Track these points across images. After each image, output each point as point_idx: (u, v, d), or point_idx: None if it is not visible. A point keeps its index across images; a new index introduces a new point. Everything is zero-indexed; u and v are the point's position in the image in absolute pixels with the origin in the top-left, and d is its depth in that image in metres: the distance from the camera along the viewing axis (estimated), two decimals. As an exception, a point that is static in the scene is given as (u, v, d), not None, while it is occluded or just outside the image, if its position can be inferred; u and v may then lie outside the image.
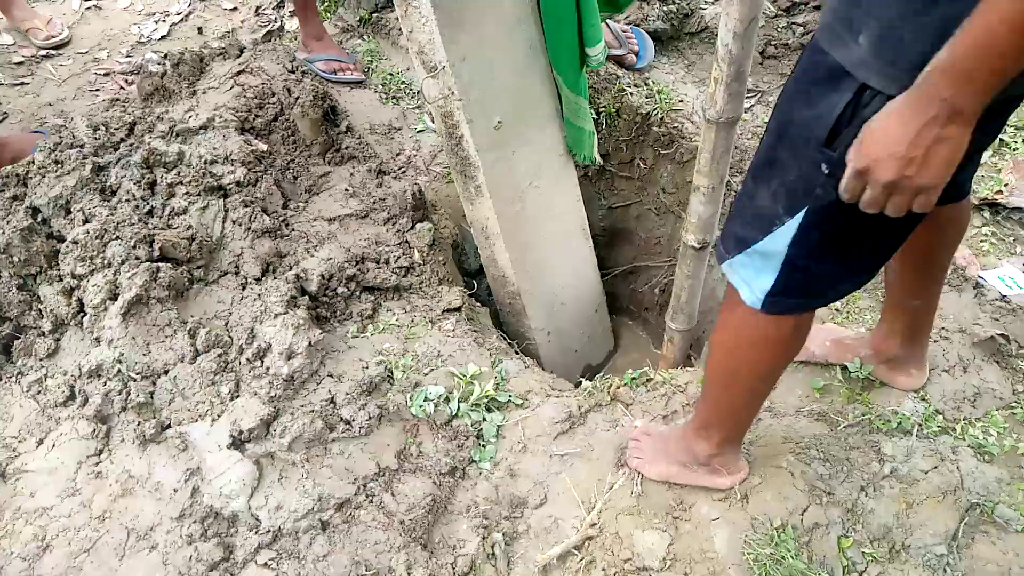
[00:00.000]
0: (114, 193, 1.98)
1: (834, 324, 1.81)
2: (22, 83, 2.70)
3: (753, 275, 1.13)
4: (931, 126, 0.82)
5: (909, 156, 0.84)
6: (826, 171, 0.96)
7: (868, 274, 1.14)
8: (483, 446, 1.69)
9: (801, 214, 1.02)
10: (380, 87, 2.54)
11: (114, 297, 1.78)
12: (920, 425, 1.55)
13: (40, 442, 1.71)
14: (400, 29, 2.72)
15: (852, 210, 0.95)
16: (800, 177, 1.00)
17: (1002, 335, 1.64)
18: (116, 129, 2.15)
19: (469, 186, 1.96)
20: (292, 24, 2.87)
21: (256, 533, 1.52)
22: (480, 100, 1.79)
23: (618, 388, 1.80)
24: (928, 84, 0.81)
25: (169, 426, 1.66)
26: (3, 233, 1.87)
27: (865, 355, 1.62)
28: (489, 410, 1.75)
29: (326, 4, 2.87)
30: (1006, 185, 1.95)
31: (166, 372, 1.73)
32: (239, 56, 2.44)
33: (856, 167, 0.89)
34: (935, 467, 1.47)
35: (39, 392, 1.79)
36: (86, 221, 1.91)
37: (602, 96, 2.35)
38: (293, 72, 2.34)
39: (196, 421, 1.65)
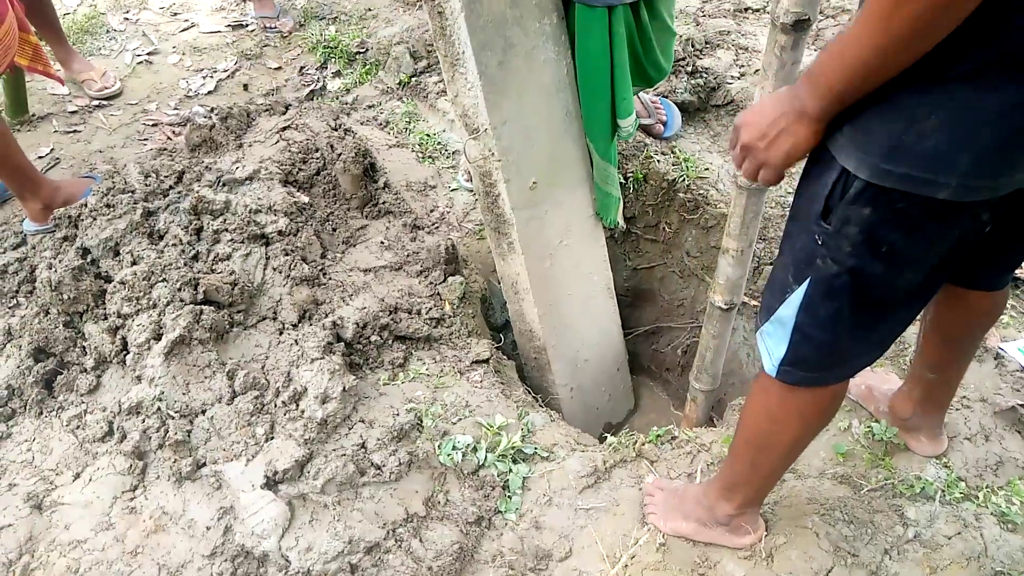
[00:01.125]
0: (161, 237, 2.07)
1: (879, 368, 1.84)
2: (75, 131, 2.83)
3: (774, 344, 1.19)
4: (784, 117, 0.98)
5: (763, 131, 1.00)
6: (820, 242, 1.03)
7: (878, 349, 1.19)
8: (509, 497, 1.72)
9: (806, 283, 1.09)
10: (417, 146, 2.65)
11: (158, 337, 1.84)
12: (943, 491, 1.57)
13: (77, 476, 1.75)
14: (437, 93, 2.85)
15: (853, 284, 1.02)
16: (804, 248, 1.07)
17: (1023, 405, 1.67)
18: (166, 176, 2.25)
19: (502, 242, 2.03)
20: (334, 84, 3.00)
21: (286, 574, 1.54)
22: (517, 162, 1.88)
23: (643, 444, 1.83)
24: (796, 84, 0.97)
25: (204, 464, 1.71)
26: (54, 271, 1.95)
27: (883, 410, 1.66)
28: (515, 461, 1.79)
29: (367, 67, 3.01)
30: (1025, 260, 2.00)
31: (203, 412, 1.78)
32: (284, 112, 2.56)
33: (735, 123, 1.07)
34: (958, 533, 1.49)
35: (78, 427, 1.84)
36: (134, 263, 1.99)
37: (631, 162, 2.44)
38: (336, 129, 2.45)
39: (231, 460, 1.69)
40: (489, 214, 1.98)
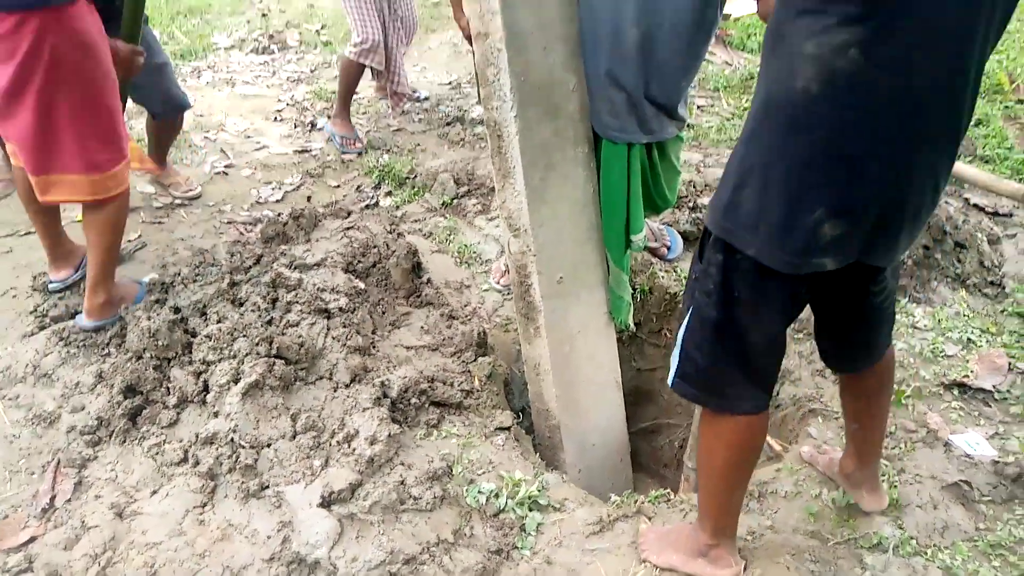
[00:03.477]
0: (242, 304, 2.45)
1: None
2: (160, 222, 3.28)
3: (673, 360, 1.57)
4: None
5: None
6: (696, 278, 1.45)
7: (751, 386, 1.52)
8: (525, 536, 1.98)
9: (689, 311, 1.49)
10: (456, 253, 3.08)
11: (236, 380, 2.18)
12: (897, 547, 1.84)
13: (154, 492, 2.03)
14: (475, 213, 3.33)
15: (718, 317, 1.43)
16: (690, 282, 1.50)
17: (965, 482, 1.97)
18: (247, 258, 2.66)
19: (529, 327, 2.40)
20: (386, 201, 3.48)
21: (333, 578, 1.79)
22: (549, 259, 2.28)
23: (643, 503, 2.11)
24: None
25: (268, 487, 1.99)
26: (152, 321, 2.32)
27: (836, 471, 1.96)
28: (531, 509, 2.06)
29: (416, 189, 3.51)
30: (972, 371, 2.36)
31: (269, 445, 2.08)
32: (347, 217, 3.01)
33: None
34: (908, 576, 1.76)
35: (157, 453, 2.13)
36: (219, 321, 2.36)
37: (639, 276, 2.86)
38: (391, 232, 2.89)
39: (292, 484, 1.98)
40: (521, 301, 2.36)
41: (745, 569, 1.78)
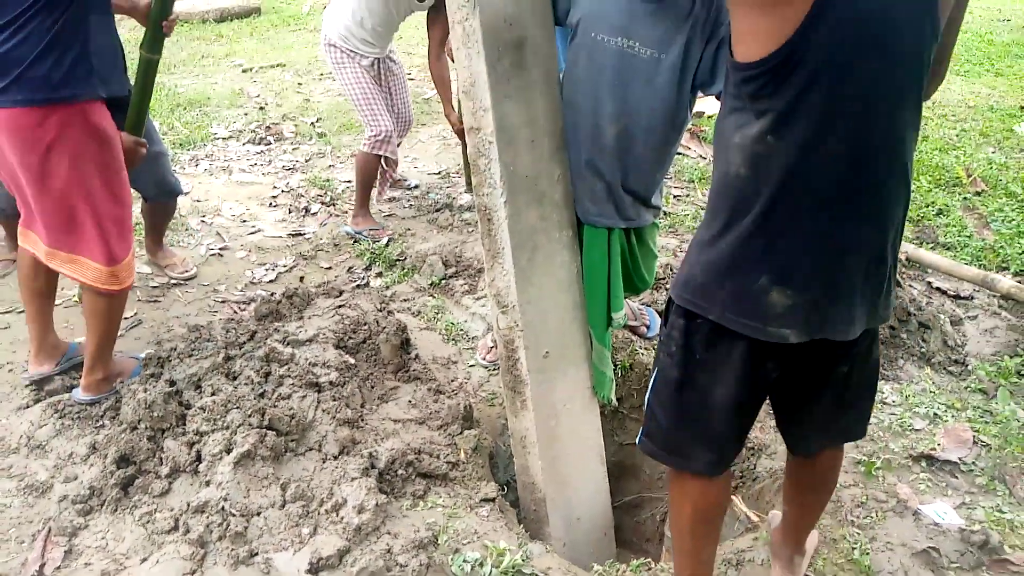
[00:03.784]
0: (236, 378, 2.53)
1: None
2: (156, 300, 3.38)
3: (644, 418, 1.69)
4: None
5: None
6: (662, 340, 1.61)
7: (709, 451, 1.62)
8: (509, 604, 2.02)
9: (656, 372, 1.62)
10: (443, 331, 3.19)
11: (229, 450, 2.24)
12: (871, 612, 1.90)
13: (144, 560, 2.06)
14: (462, 293, 3.45)
15: (678, 379, 1.56)
16: (657, 346, 1.64)
17: (934, 549, 2.05)
18: (241, 333, 2.76)
19: (516, 400, 2.48)
20: (376, 282, 3.61)
21: (320, 643, 1.82)
22: (536, 335, 2.38)
23: (625, 572, 2.15)
24: None
25: (257, 554, 2.03)
26: (148, 393, 2.39)
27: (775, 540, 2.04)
28: (515, 578, 2.10)
29: (405, 271, 3.64)
30: (939, 444, 2.46)
31: (259, 513, 2.13)
32: (339, 295, 3.13)
33: None
34: (882, 640, 1.80)
35: (148, 522, 2.17)
36: (213, 394, 2.43)
37: (620, 353, 2.97)
38: (381, 310, 3.00)
39: (280, 551, 2.02)
40: (508, 375, 2.45)
41: (724, 633, 1.82)
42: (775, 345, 1.48)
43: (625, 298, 2.76)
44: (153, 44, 2.52)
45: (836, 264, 1.43)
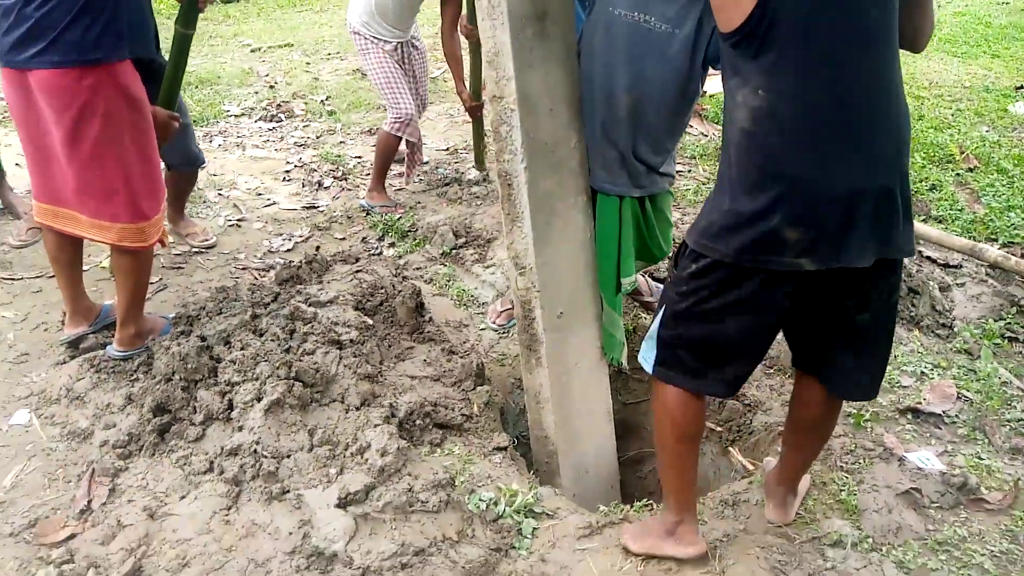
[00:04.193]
0: (263, 334, 2.68)
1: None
2: (178, 267, 3.52)
3: (648, 353, 1.86)
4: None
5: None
6: (671, 280, 1.79)
7: (720, 384, 1.81)
8: (522, 538, 2.18)
9: (663, 308, 1.79)
10: (455, 297, 3.34)
11: (259, 399, 2.39)
12: (855, 544, 2.06)
13: (183, 497, 2.22)
14: (472, 261, 3.60)
15: (688, 314, 1.72)
16: (665, 286, 1.83)
17: (916, 489, 2.21)
18: (266, 295, 2.90)
19: (531, 358, 2.62)
20: (389, 252, 3.76)
21: (350, 568, 1.98)
22: (551, 295, 2.50)
23: (628, 512, 2.31)
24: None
25: (288, 491, 2.19)
26: (182, 347, 2.54)
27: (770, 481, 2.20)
28: (527, 516, 2.26)
29: (417, 241, 3.79)
30: (925, 399, 2.62)
31: (289, 456, 2.28)
32: (356, 262, 3.27)
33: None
34: (864, 566, 1.97)
35: (185, 464, 2.32)
36: (242, 349, 2.58)
37: (624, 318, 3.11)
38: (396, 275, 3.15)
39: (311, 488, 2.18)
40: (524, 334, 2.58)
41: (718, 559, 1.98)
42: (789, 275, 1.63)
43: (642, 270, 2.89)
44: (188, 19, 2.65)
45: (842, 201, 1.57)
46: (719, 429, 2.85)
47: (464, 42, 4.13)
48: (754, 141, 1.58)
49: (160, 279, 3.40)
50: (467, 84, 4.15)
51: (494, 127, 2.35)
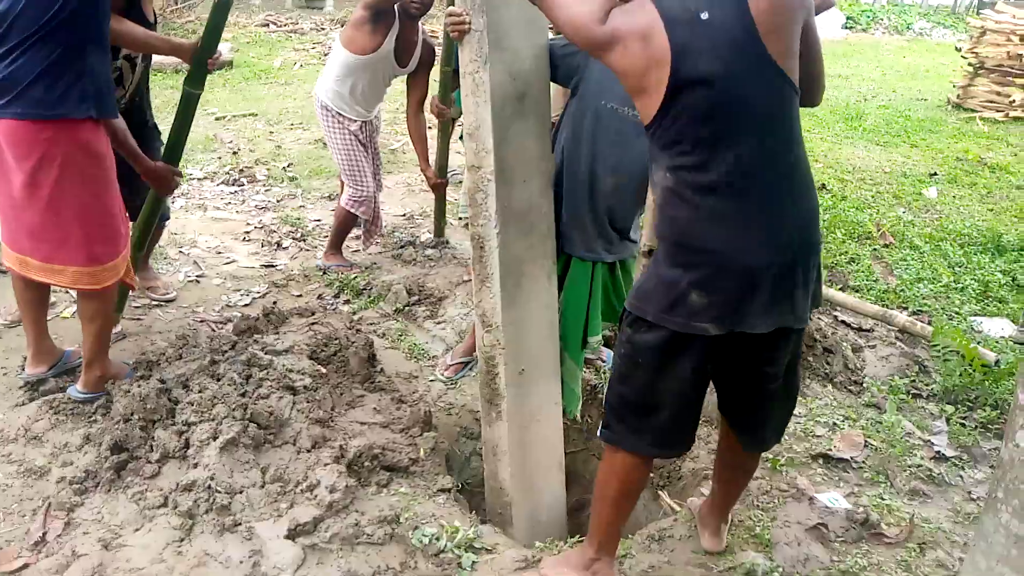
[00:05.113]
0: (220, 379, 2.81)
1: None
2: (138, 319, 3.64)
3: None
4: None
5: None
6: (617, 341, 1.98)
7: (654, 436, 1.97)
8: (462, 571, 2.32)
9: (612, 372, 2.00)
10: (407, 350, 3.52)
11: (215, 438, 2.52)
12: (767, 573, 2.25)
13: (137, 529, 2.31)
14: (423, 318, 3.79)
15: (622, 373, 1.93)
16: (615, 344, 2.01)
17: (823, 525, 2.42)
18: (224, 343, 3.05)
19: (492, 411, 2.78)
20: (344, 308, 3.93)
21: (297, 594, 2.09)
22: (515, 352, 2.67)
23: (562, 547, 2.47)
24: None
25: (240, 524, 2.30)
26: (142, 388, 2.66)
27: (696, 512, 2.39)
28: (467, 550, 2.40)
29: (372, 298, 3.98)
30: (835, 446, 2.86)
31: (241, 491, 2.40)
32: (312, 315, 3.44)
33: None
34: (774, 592, 2.16)
35: (140, 499, 2.42)
36: (200, 391, 2.71)
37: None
38: (350, 328, 3.32)
39: (261, 521, 2.30)
40: (487, 388, 2.75)
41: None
42: (707, 342, 1.83)
43: (607, 329, 3.13)
44: (196, 79, 2.85)
45: (743, 273, 1.79)
46: (651, 475, 3.03)
47: (430, 120, 4.39)
48: (667, 215, 1.83)
49: (120, 329, 3.51)
50: (430, 162, 4.38)
51: (470, 194, 2.57)
